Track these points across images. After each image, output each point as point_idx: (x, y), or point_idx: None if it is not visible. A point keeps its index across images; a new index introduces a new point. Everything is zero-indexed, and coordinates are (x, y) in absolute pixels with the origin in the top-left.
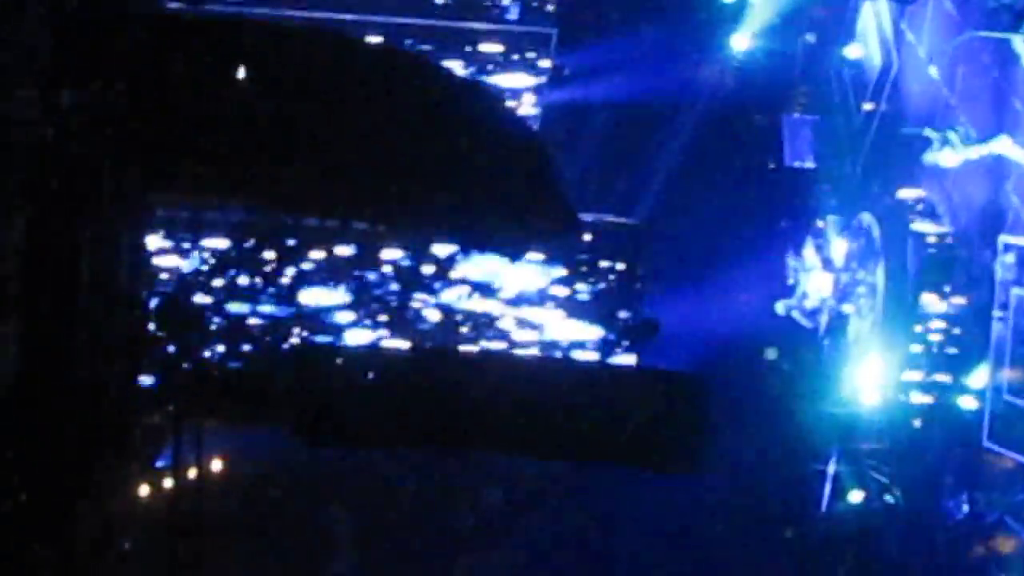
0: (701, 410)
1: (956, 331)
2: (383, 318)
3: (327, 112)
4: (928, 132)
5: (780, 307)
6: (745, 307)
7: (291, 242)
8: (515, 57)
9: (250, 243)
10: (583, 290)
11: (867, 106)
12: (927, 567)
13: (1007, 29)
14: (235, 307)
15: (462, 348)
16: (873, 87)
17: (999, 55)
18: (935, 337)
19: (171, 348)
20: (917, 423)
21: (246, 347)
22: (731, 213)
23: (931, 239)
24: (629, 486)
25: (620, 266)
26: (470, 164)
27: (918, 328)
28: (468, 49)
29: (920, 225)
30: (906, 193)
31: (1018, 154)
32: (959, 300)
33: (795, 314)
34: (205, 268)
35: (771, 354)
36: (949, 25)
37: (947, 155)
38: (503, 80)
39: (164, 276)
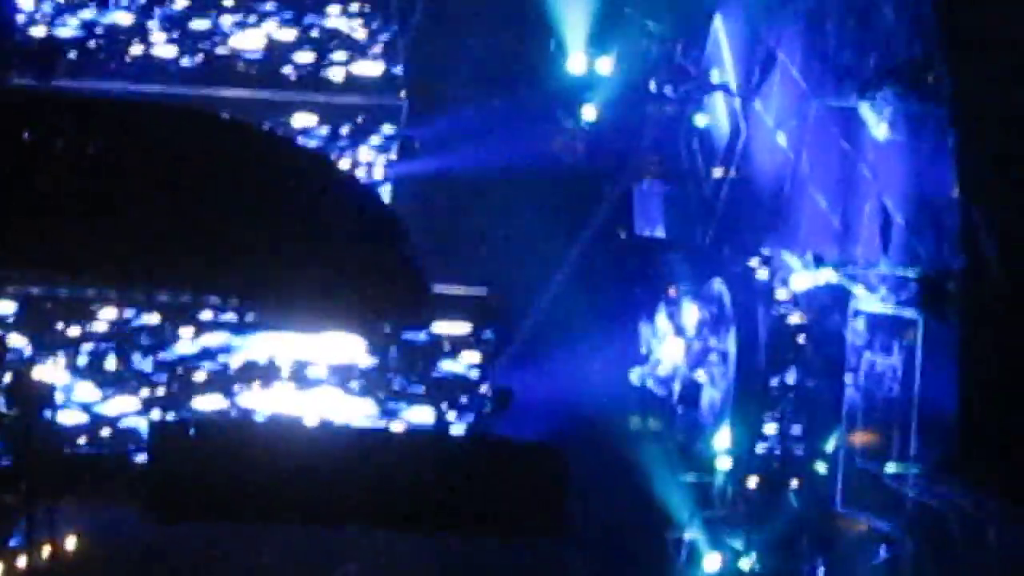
0: (556, 479)
1: (808, 396)
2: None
3: (176, 186)
4: (785, 256)
5: (634, 376)
6: (599, 375)
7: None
8: (366, 129)
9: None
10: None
11: (717, 173)
12: None
13: (853, 96)
14: (84, 384)
15: (314, 421)
16: (722, 155)
17: (846, 122)
18: (787, 403)
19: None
20: (771, 488)
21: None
22: (583, 281)
23: (782, 305)
24: (488, 556)
25: (471, 336)
26: (321, 237)
27: (770, 394)
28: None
29: (770, 291)
30: (756, 261)
31: (849, 284)
32: (811, 366)
33: (649, 382)
34: (53, 344)
35: (626, 422)
36: (796, 93)
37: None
38: (355, 152)
39: (11, 352)
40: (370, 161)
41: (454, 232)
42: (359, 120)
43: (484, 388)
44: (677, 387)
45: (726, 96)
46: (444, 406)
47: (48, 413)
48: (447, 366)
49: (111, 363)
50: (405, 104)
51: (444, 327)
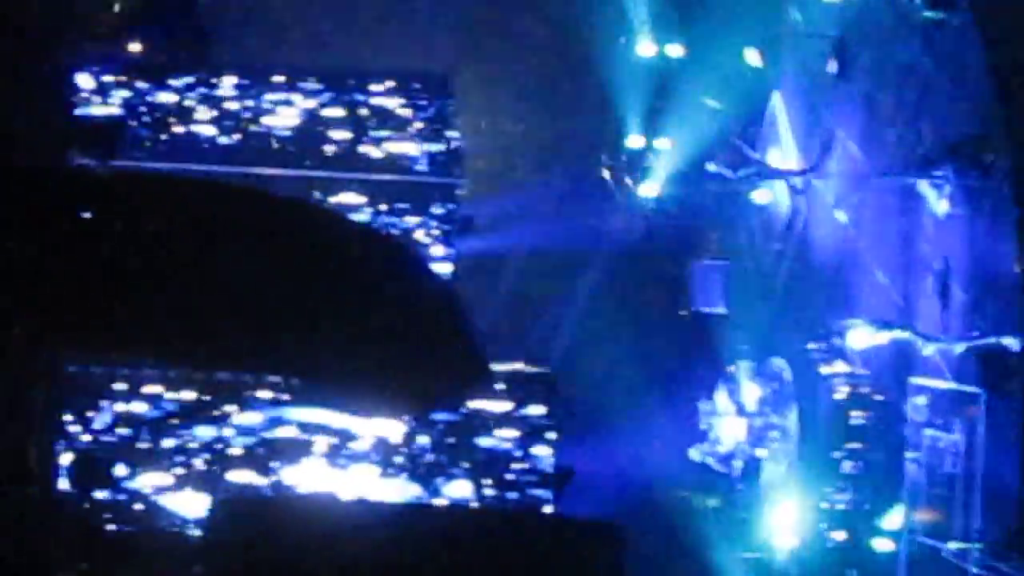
0: (615, 556)
1: (869, 474)
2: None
3: (239, 266)
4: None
5: (695, 453)
6: (659, 452)
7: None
8: (421, 207)
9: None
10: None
11: (776, 250)
12: None
13: (912, 173)
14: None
15: (377, 499)
16: (781, 231)
17: (905, 199)
18: (849, 480)
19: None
20: (834, 566)
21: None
22: (643, 359)
23: (842, 382)
24: None
25: (535, 412)
26: (381, 316)
27: (832, 471)
28: (379, 199)
29: (831, 368)
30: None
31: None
32: (872, 442)
33: (709, 460)
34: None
35: (687, 499)
36: (855, 169)
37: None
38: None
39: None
40: (427, 239)
41: (514, 310)
42: (412, 198)
43: (529, 464)
44: (738, 464)
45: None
46: (489, 482)
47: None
48: (489, 442)
49: (146, 440)
50: (464, 183)
51: (492, 404)
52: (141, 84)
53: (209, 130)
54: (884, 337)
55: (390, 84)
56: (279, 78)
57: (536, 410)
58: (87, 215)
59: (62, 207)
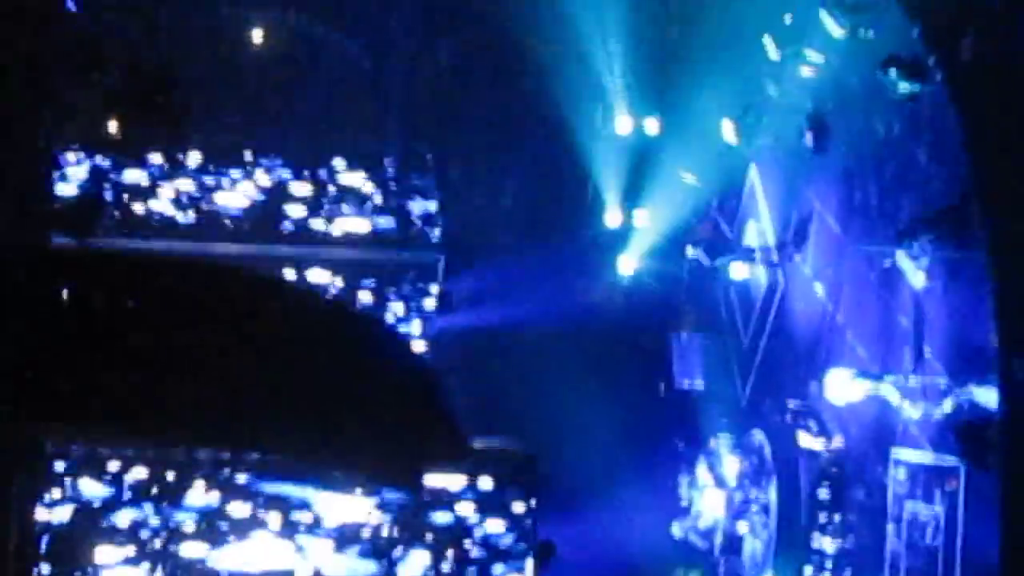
0: None
1: (850, 546)
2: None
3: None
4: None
5: (676, 529)
6: (640, 528)
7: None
8: (402, 286)
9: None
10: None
11: (754, 324)
12: None
13: (891, 245)
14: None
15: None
16: (760, 305)
17: (883, 271)
18: (830, 554)
19: None
20: None
21: None
22: (623, 434)
23: (822, 455)
24: None
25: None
26: (357, 392)
27: (812, 544)
28: (355, 276)
29: (811, 441)
30: (798, 422)
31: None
32: (852, 515)
33: (692, 536)
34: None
35: (668, 574)
36: (833, 242)
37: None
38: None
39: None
40: (405, 315)
41: (491, 385)
42: (389, 274)
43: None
44: (719, 538)
45: (763, 248)
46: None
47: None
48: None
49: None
50: (442, 259)
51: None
52: (112, 161)
53: (172, 208)
54: (861, 389)
55: (365, 160)
56: (248, 156)
57: (517, 486)
58: (66, 294)
59: (42, 286)
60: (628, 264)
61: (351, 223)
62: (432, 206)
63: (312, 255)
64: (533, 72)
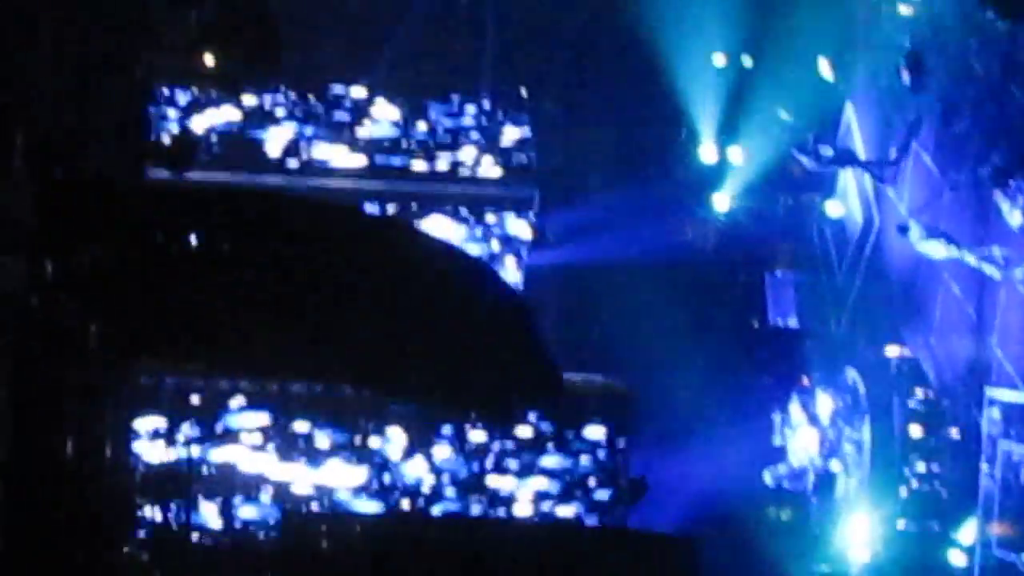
0: (690, 570)
1: (944, 486)
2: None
3: (314, 279)
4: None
5: (768, 477)
6: (732, 466)
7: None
8: (497, 219)
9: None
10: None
11: (849, 261)
12: None
13: (987, 184)
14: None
15: (453, 514)
16: (855, 243)
17: (980, 210)
18: (924, 493)
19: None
20: None
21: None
22: (717, 372)
23: (917, 394)
24: None
25: (606, 427)
26: (454, 328)
27: (905, 484)
28: (454, 213)
29: (905, 379)
30: (891, 350)
31: (988, 267)
32: (946, 455)
33: (784, 482)
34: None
35: (760, 513)
36: (929, 181)
37: (933, 246)
38: (488, 244)
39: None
40: (501, 253)
41: (585, 321)
42: (486, 211)
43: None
44: (811, 477)
45: (859, 185)
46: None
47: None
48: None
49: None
50: (536, 194)
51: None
52: (208, 96)
53: (275, 145)
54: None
55: (465, 99)
56: (359, 91)
57: (612, 423)
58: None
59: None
60: (723, 201)
61: (458, 161)
62: (527, 142)
63: (409, 191)
64: (629, 8)
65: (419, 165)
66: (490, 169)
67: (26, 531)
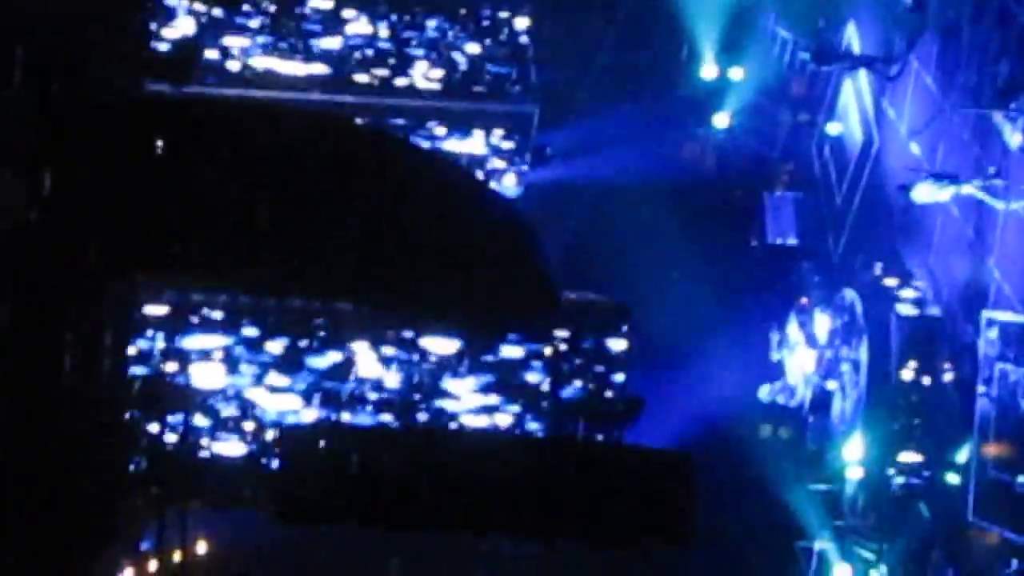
0: (686, 488)
1: (940, 407)
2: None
3: (311, 192)
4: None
5: (763, 393)
6: (730, 384)
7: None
8: (497, 138)
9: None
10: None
11: (849, 181)
12: None
13: (988, 105)
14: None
15: (439, 427)
16: (854, 163)
17: (980, 131)
18: (919, 413)
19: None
20: (902, 499)
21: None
22: (714, 290)
23: (914, 315)
24: (613, 564)
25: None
26: (452, 243)
27: (902, 404)
28: (453, 128)
29: (902, 300)
30: (890, 281)
31: (989, 198)
32: (943, 376)
33: (779, 398)
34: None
35: (756, 430)
36: (929, 101)
37: (924, 189)
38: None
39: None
40: (501, 168)
41: (584, 238)
42: (485, 126)
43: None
44: (808, 396)
45: (859, 104)
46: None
47: (180, 418)
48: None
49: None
50: (536, 112)
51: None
52: (209, 9)
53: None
54: (947, 193)
55: (462, 16)
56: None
57: (609, 341)
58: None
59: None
60: (723, 120)
61: (459, 76)
62: (530, 62)
63: (406, 106)
64: None
65: (420, 81)
66: (493, 85)
67: (25, 450)
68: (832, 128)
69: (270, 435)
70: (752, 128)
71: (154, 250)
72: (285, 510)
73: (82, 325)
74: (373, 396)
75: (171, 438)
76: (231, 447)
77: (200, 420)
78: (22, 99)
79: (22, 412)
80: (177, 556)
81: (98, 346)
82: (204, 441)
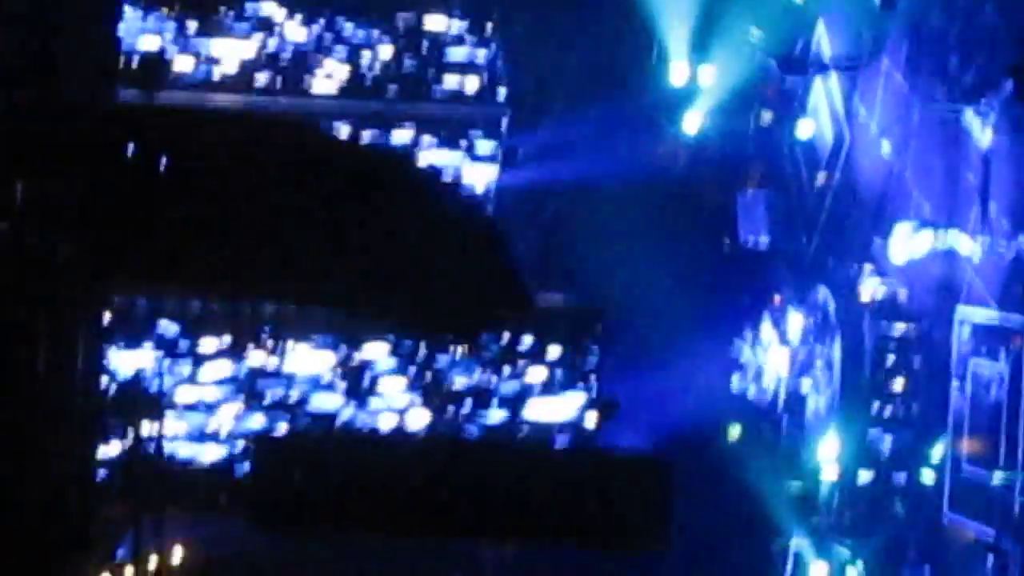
0: (662, 490)
1: (914, 404)
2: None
3: (284, 198)
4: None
5: (735, 381)
6: (703, 385)
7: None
8: (468, 138)
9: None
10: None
11: (820, 181)
12: None
13: (958, 102)
14: (190, 396)
15: (419, 434)
16: (826, 162)
17: (951, 128)
18: (892, 410)
19: (129, 437)
20: (878, 496)
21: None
22: (687, 291)
23: (887, 312)
24: (589, 568)
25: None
26: (423, 248)
27: (876, 402)
28: (422, 131)
29: (875, 297)
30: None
31: (966, 246)
32: (916, 373)
33: (752, 390)
34: (160, 356)
35: (730, 431)
36: (900, 99)
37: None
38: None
39: (120, 365)
40: (470, 171)
41: (556, 241)
42: (454, 129)
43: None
44: (782, 395)
45: (829, 103)
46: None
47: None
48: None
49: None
50: (507, 114)
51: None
52: (179, 16)
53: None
54: (925, 241)
55: (432, 15)
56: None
57: (582, 343)
58: (133, 150)
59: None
60: (693, 121)
61: (426, 77)
62: (498, 62)
63: (376, 110)
64: None
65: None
66: (461, 87)
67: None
68: (803, 127)
69: (242, 443)
70: (724, 128)
71: (126, 259)
72: (260, 517)
73: (54, 334)
74: (317, 399)
75: (145, 445)
76: (206, 453)
77: (174, 427)
78: None
79: None
80: (153, 564)
81: (71, 355)
82: (178, 447)
